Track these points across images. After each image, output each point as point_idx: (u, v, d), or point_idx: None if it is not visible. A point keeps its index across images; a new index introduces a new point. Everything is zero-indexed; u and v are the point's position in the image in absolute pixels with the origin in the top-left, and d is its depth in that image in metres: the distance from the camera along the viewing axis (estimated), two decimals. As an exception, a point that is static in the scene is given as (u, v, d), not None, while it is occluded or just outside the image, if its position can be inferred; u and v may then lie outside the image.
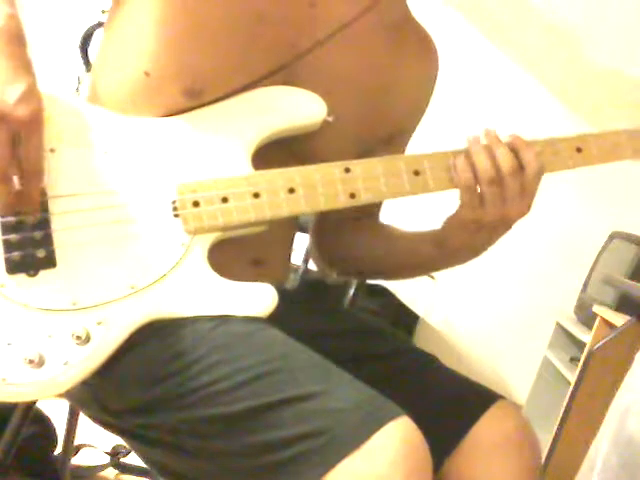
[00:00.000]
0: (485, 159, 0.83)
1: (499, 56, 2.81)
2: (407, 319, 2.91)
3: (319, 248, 1.09)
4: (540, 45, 2.56)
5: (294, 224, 1.01)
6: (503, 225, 0.87)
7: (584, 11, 2.10)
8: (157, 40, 0.82)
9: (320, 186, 0.83)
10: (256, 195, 0.81)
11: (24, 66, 0.71)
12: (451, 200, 0.91)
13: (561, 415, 1.78)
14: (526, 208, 0.86)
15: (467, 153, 0.85)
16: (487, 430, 0.84)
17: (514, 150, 0.84)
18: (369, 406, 0.67)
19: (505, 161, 0.83)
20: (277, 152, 0.85)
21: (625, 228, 2.37)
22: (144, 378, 0.74)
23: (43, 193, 0.75)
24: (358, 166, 0.84)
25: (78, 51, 1.40)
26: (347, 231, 1.03)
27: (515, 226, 0.89)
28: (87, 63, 1.41)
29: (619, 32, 2.12)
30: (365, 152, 0.94)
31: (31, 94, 0.69)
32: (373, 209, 1.05)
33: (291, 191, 0.82)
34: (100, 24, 1.32)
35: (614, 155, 0.92)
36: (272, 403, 0.67)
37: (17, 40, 0.72)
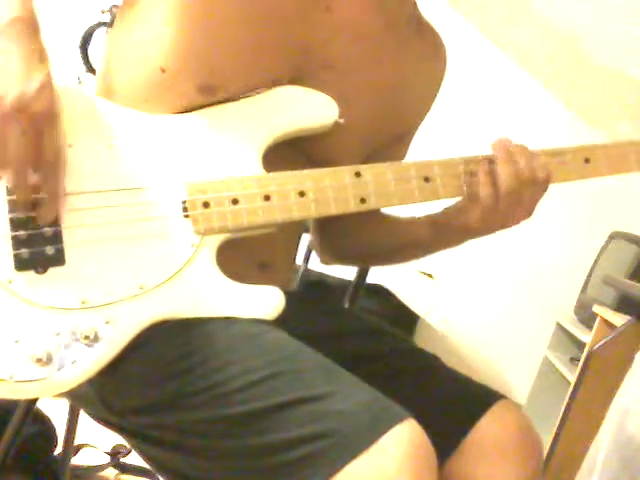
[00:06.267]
0: (508, 169, 0.87)
1: (500, 57, 2.82)
2: (407, 319, 2.91)
3: (322, 244, 1.10)
4: (541, 46, 2.56)
5: (300, 227, 1.01)
6: (502, 226, 0.91)
7: (585, 11, 2.10)
8: (175, 36, 0.82)
9: (331, 190, 0.82)
10: (266, 197, 0.80)
11: (39, 56, 0.71)
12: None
13: (561, 415, 1.78)
14: (529, 215, 0.91)
15: (490, 160, 0.88)
16: (488, 430, 0.84)
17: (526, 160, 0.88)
18: (377, 408, 0.67)
19: (525, 172, 0.87)
20: (287, 151, 0.85)
21: (625, 228, 2.37)
22: (151, 377, 0.73)
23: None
24: (368, 171, 0.84)
25: (78, 51, 1.39)
26: (353, 226, 1.03)
27: (516, 226, 0.92)
28: (87, 63, 1.40)
29: (619, 32, 2.12)
30: (376, 150, 0.94)
31: (48, 86, 0.69)
32: None
33: (301, 194, 0.81)
34: (100, 24, 1.32)
35: (622, 167, 0.93)
36: (281, 404, 0.67)
37: (31, 28, 0.71)
